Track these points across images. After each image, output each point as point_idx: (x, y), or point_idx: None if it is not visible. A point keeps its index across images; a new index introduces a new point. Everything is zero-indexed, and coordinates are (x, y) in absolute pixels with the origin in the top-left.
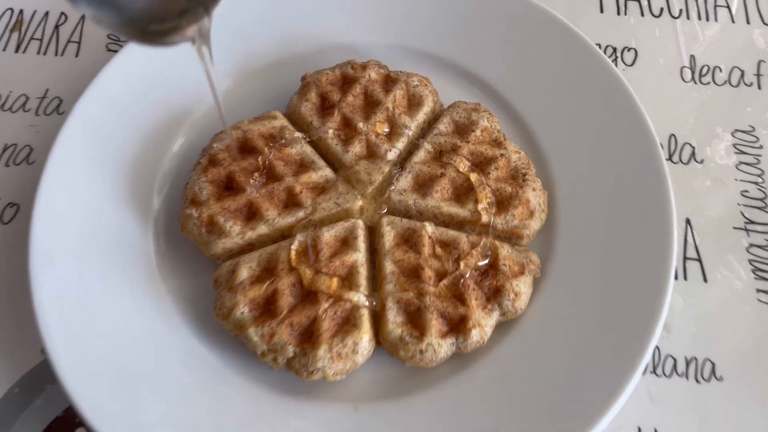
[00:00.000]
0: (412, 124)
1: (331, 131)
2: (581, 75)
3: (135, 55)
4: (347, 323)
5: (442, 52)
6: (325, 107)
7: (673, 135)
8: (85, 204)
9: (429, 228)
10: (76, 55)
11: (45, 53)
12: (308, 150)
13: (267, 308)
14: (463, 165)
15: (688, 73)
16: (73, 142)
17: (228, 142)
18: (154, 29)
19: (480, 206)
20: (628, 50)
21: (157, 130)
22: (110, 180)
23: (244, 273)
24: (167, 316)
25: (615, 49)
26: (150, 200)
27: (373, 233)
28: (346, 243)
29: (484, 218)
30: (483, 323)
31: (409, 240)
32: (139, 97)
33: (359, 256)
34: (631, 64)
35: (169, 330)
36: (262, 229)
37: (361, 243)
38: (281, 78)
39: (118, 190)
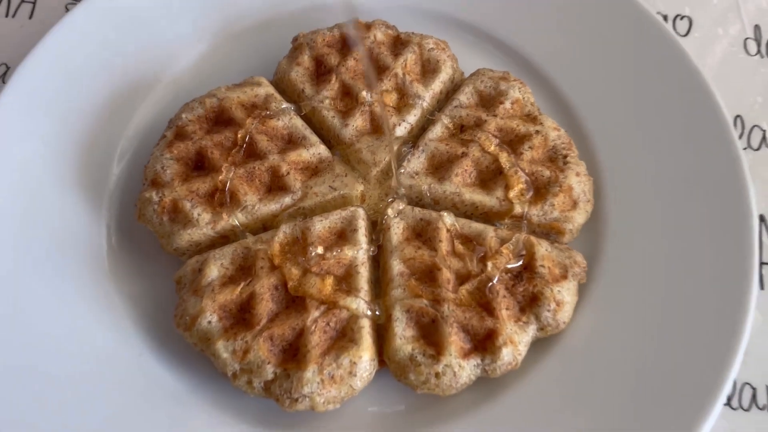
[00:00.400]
0: (427, 95)
1: (327, 101)
2: (633, 42)
3: (93, 11)
4: (343, 337)
5: (462, 14)
6: (321, 73)
7: (740, 116)
8: (23, 186)
9: (447, 219)
10: (30, 17)
11: None
12: (298, 123)
13: (241, 317)
14: (490, 143)
15: (753, 46)
16: (11, 113)
17: (200, 113)
18: None
19: (511, 193)
20: (681, 18)
21: (116, 99)
22: (55, 158)
23: (214, 272)
24: (118, 326)
25: (666, 17)
26: (103, 182)
27: (378, 225)
28: (343, 236)
29: (517, 208)
30: (516, 340)
31: (422, 234)
32: (96, 60)
33: (359, 252)
34: (686, 35)
35: (120, 344)
36: (239, 217)
37: (362, 237)
38: (269, 41)
39: (63, 170)
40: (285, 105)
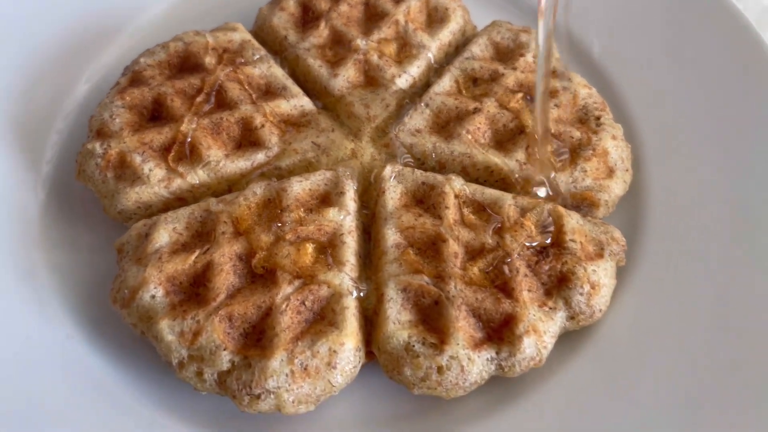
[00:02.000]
0: (433, 45)
1: (313, 49)
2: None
3: None
4: (321, 320)
5: None
6: (308, 20)
7: None
8: None
9: (456, 183)
10: None
11: None
12: (278, 72)
13: (194, 292)
14: (509, 98)
15: None
16: None
17: (161, 57)
18: None
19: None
20: None
21: (70, 48)
22: None
23: (164, 237)
24: (44, 303)
25: None
26: (43, 138)
27: (370, 190)
28: (326, 200)
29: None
30: (540, 329)
31: (424, 200)
32: (51, 5)
33: (346, 219)
34: None
35: (44, 323)
36: (200, 175)
37: (350, 201)
38: None
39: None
40: (263, 53)
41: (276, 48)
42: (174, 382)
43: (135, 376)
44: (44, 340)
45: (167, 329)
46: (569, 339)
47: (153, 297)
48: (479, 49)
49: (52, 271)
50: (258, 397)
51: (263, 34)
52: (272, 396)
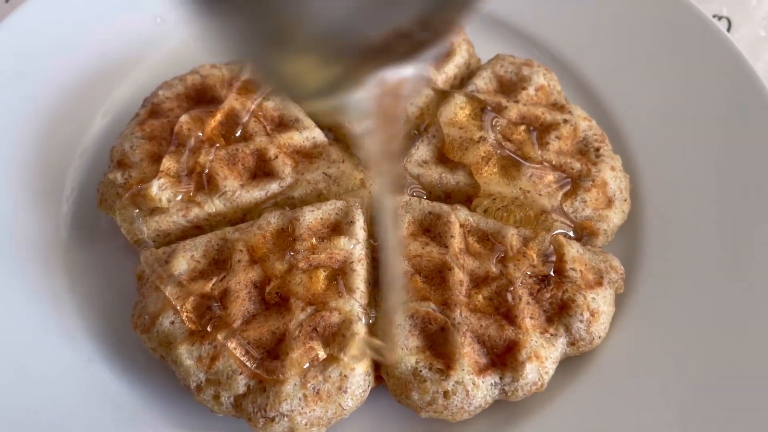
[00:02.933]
0: (439, 78)
1: None
2: (672, 32)
3: None
4: (333, 346)
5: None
6: None
7: None
8: None
9: (461, 213)
10: (6, 1)
11: None
12: (290, 104)
13: (210, 318)
14: (511, 129)
15: None
16: None
17: (179, 90)
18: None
19: (540, 184)
20: (719, 19)
21: (90, 80)
22: (15, 137)
23: (183, 264)
24: (65, 327)
25: None
26: (65, 169)
27: (379, 219)
28: (337, 229)
29: (544, 203)
30: (542, 355)
31: (431, 229)
32: (70, 39)
33: (356, 247)
34: None
35: (67, 348)
36: (216, 204)
37: (360, 230)
38: None
39: (20, 152)
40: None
41: None
42: (192, 405)
43: (154, 398)
44: (67, 364)
45: (186, 354)
46: (569, 364)
47: (172, 323)
48: (483, 82)
49: (74, 296)
50: (273, 419)
51: None
52: (286, 419)
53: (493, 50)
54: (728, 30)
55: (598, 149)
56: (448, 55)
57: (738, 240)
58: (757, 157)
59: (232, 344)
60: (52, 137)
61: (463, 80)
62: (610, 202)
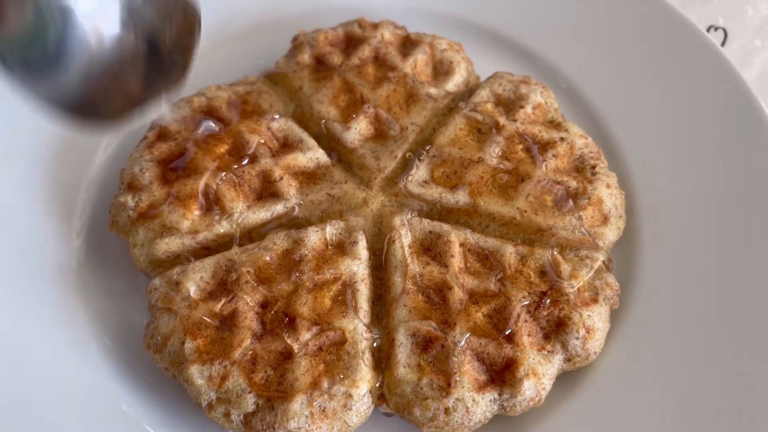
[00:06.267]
0: (439, 97)
1: (327, 101)
2: (667, 48)
3: None
4: (337, 364)
5: (477, 17)
6: (321, 72)
7: None
8: None
9: (461, 232)
10: None
11: None
12: (295, 125)
13: (220, 338)
14: (510, 148)
15: None
16: None
17: (186, 112)
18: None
19: (531, 203)
20: (715, 30)
21: None
22: (24, 161)
23: (192, 286)
24: (81, 347)
25: None
26: (75, 189)
27: (381, 237)
28: (340, 249)
29: (541, 221)
30: (539, 371)
31: (431, 248)
32: None
33: (359, 267)
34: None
35: (83, 367)
36: (224, 226)
37: (362, 250)
38: (265, 44)
39: (31, 174)
40: (281, 105)
41: (291, 97)
42: (204, 421)
43: (168, 415)
44: (84, 382)
45: (197, 374)
46: (565, 380)
47: (184, 344)
48: (482, 100)
49: (89, 315)
50: None
51: (279, 85)
52: None
53: (492, 68)
54: (724, 41)
55: (594, 167)
56: (447, 73)
57: (733, 255)
58: (752, 173)
59: (240, 364)
60: (65, 152)
61: (462, 98)
62: (605, 220)
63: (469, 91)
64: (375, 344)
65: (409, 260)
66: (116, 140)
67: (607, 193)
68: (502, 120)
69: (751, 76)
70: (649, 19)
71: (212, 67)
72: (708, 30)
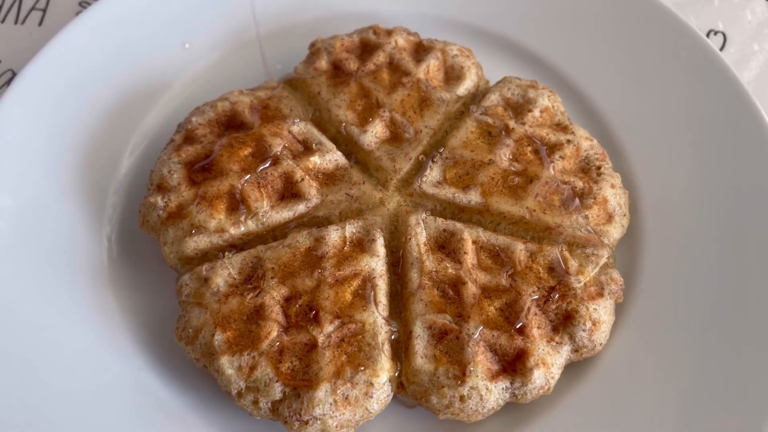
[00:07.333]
0: (451, 101)
1: (344, 105)
2: (668, 53)
3: (100, 17)
4: (359, 355)
5: (487, 24)
6: (338, 78)
7: None
8: (22, 193)
9: (474, 230)
10: (39, 24)
11: (3, 21)
12: (314, 129)
13: (248, 331)
14: (519, 150)
15: None
16: (12, 119)
17: (211, 116)
18: None
19: (540, 203)
20: (715, 34)
21: (123, 105)
22: (56, 164)
23: (220, 282)
24: (116, 338)
25: None
26: (106, 190)
27: (397, 235)
28: (360, 246)
29: (549, 220)
30: (548, 362)
31: (446, 245)
32: (103, 66)
33: (378, 263)
34: (719, 51)
35: (118, 357)
36: (249, 225)
37: (380, 247)
38: (284, 49)
39: (64, 178)
40: (301, 109)
41: (310, 103)
42: (233, 409)
43: (198, 402)
44: (118, 372)
45: (227, 364)
46: (573, 369)
47: (214, 336)
48: (492, 104)
49: (122, 310)
50: (306, 422)
51: (299, 90)
52: (318, 422)
53: (501, 72)
54: (723, 45)
55: (599, 168)
56: (458, 78)
57: (732, 250)
58: (749, 172)
59: (268, 355)
60: (92, 162)
61: (473, 102)
62: (610, 218)
63: (479, 95)
64: (393, 336)
65: (424, 257)
66: (142, 144)
67: (612, 192)
68: (511, 123)
69: (749, 79)
70: (652, 25)
71: (233, 72)
72: (708, 34)
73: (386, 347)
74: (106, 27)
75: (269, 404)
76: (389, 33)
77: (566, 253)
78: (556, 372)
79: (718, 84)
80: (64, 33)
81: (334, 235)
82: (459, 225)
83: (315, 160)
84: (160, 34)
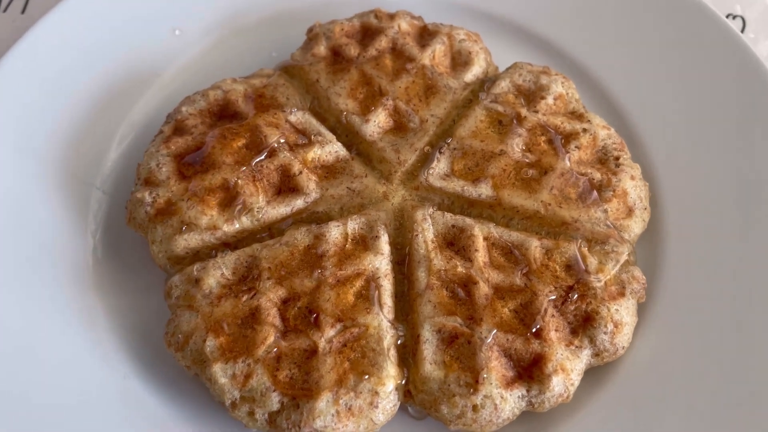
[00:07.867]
0: (458, 88)
1: (344, 93)
2: (687, 36)
3: (86, 1)
4: (362, 361)
5: (494, 7)
6: (338, 64)
7: None
8: (1, 187)
9: (485, 226)
10: (23, 11)
11: None
12: (312, 119)
13: (242, 336)
14: (532, 140)
15: None
16: None
17: (202, 106)
18: None
19: (556, 196)
20: (733, 18)
21: (109, 95)
22: (39, 157)
23: (212, 283)
24: (101, 345)
25: None
26: (91, 185)
27: (403, 232)
28: (362, 244)
29: (564, 213)
30: (568, 367)
31: (455, 242)
32: (87, 53)
33: (382, 262)
34: None
35: (102, 364)
36: (243, 221)
37: (385, 244)
38: (280, 35)
39: (47, 171)
40: (297, 98)
41: (308, 90)
42: (226, 419)
43: (189, 413)
44: (103, 381)
45: (220, 372)
46: (593, 375)
47: (206, 342)
48: (502, 91)
49: (108, 313)
50: None
51: (296, 78)
52: None
53: (509, 56)
54: (743, 29)
55: (617, 158)
56: (466, 64)
57: (759, 247)
58: None
59: (264, 362)
60: (76, 154)
61: (482, 89)
62: (630, 212)
63: (488, 82)
64: (400, 341)
65: (432, 255)
66: (130, 136)
67: (632, 184)
68: (523, 111)
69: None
70: (669, 7)
71: (226, 59)
72: (726, 18)
73: (392, 353)
74: (92, 12)
75: (266, 415)
76: (392, 17)
77: (585, 250)
78: (575, 378)
79: (741, 69)
80: (48, 18)
81: (334, 232)
82: (469, 220)
83: (314, 151)
84: (149, 20)
